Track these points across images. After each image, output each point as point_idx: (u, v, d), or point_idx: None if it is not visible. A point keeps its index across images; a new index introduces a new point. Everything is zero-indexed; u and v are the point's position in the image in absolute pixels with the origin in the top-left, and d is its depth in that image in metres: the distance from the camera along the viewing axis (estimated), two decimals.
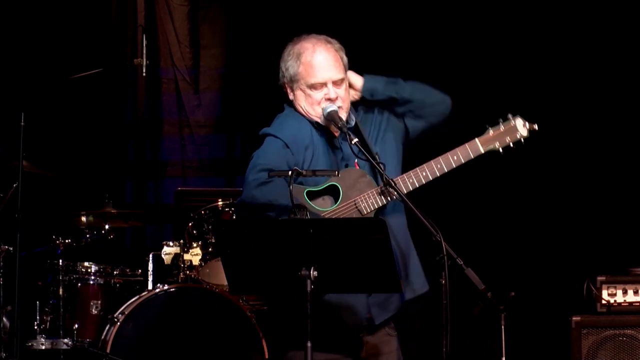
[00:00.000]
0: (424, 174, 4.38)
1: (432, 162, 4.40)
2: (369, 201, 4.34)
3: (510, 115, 4.51)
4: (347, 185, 4.36)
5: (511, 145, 4.49)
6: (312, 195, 4.35)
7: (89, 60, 7.71)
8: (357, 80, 4.56)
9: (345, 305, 4.34)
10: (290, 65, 4.50)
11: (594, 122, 7.31)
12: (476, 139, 4.45)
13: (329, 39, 4.54)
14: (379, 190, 4.35)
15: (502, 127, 4.49)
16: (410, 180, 4.37)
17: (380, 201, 4.34)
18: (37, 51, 7.80)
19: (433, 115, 4.55)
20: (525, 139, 4.50)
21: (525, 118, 4.51)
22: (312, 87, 4.46)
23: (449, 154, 4.41)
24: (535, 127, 4.51)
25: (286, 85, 4.55)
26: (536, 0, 7.39)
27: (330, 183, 4.36)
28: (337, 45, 4.53)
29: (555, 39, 7.38)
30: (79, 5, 7.91)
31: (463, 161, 4.42)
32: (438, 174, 4.39)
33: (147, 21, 8.06)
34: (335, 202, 4.35)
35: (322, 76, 4.45)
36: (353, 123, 4.51)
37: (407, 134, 4.57)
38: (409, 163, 4.51)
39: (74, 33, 7.88)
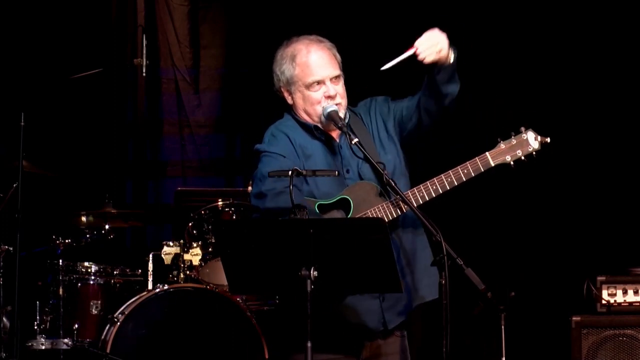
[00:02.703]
0: (434, 187, 4.37)
1: (443, 176, 4.38)
2: (380, 214, 4.33)
3: (522, 129, 4.48)
4: (358, 198, 4.35)
5: (523, 158, 4.47)
6: (324, 209, 4.34)
7: (89, 60, 7.72)
8: (450, 57, 4.37)
9: (359, 311, 4.34)
10: (285, 68, 4.48)
11: (593, 122, 7.31)
12: (487, 153, 4.43)
13: (320, 38, 4.52)
14: (390, 203, 4.34)
15: (513, 141, 4.46)
16: (421, 194, 4.35)
17: (390, 214, 4.33)
18: (37, 51, 7.80)
19: (433, 113, 4.47)
20: (537, 152, 4.48)
21: (537, 130, 4.48)
22: (310, 86, 4.45)
23: (459, 168, 4.39)
24: (548, 140, 4.48)
25: (283, 90, 4.53)
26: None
27: (342, 196, 4.35)
28: (329, 43, 4.51)
29: (555, 43, 7.40)
30: (79, 5, 7.91)
31: (473, 175, 4.40)
32: (448, 188, 4.37)
33: (147, 21, 8.06)
34: (347, 216, 4.34)
35: (320, 74, 4.43)
36: (347, 119, 4.50)
37: (401, 131, 4.54)
38: (420, 177, 4.50)
39: (74, 33, 7.88)
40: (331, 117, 4.41)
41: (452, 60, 4.37)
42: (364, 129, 4.51)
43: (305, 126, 4.50)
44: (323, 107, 4.44)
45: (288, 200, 4.20)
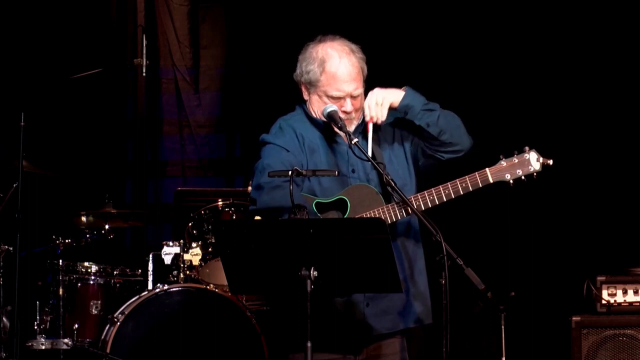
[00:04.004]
0: (431, 198, 4.37)
1: (440, 187, 4.38)
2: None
3: (526, 148, 4.48)
4: (356, 200, 4.35)
5: (523, 178, 4.48)
6: (321, 207, 4.35)
7: (89, 60, 7.72)
8: (398, 96, 4.48)
9: (343, 315, 4.34)
10: (311, 69, 4.45)
11: (593, 122, 7.31)
12: (487, 169, 4.44)
13: (353, 46, 4.49)
14: (387, 207, 4.34)
15: (515, 159, 4.46)
16: (417, 203, 4.36)
17: (388, 219, 4.33)
18: (37, 51, 7.80)
19: (447, 153, 4.50)
20: (537, 173, 4.48)
21: (540, 152, 4.48)
22: (331, 97, 4.45)
23: (457, 181, 4.40)
24: (550, 162, 4.48)
25: (302, 85, 4.52)
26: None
27: (340, 197, 4.35)
28: (360, 54, 4.49)
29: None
30: (79, 5, 7.91)
31: (471, 189, 4.40)
32: (445, 199, 4.38)
33: (147, 21, 8.06)
34: (343, 217, 4.34)
35: (344, 90, 4.43)
36: (354, 128, 4.50)
37: (416, 160, 4.56)
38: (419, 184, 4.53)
39: (74, 33, 7.88)
40: (331, 116, 4.42)
41: (402, 97, 4.44)
42: (377, 137, 4.52)
43: (314, 122, 4.51)
44: (324, 107, 4.44)
45: (284, 194, 4.21)
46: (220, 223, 6.25)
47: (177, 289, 6.49)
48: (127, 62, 8.00)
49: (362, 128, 4.52)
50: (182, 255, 6.74)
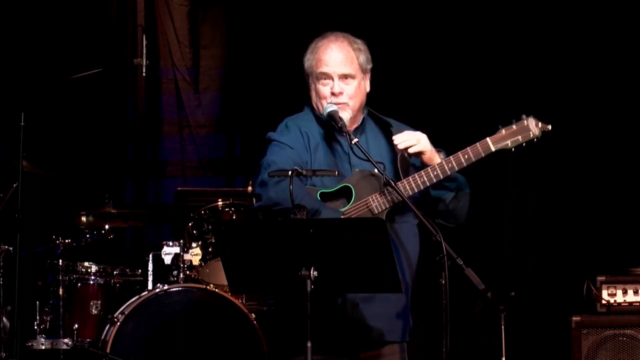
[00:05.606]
0: (435, 173, 4.37)
1: (444, 162, 4.38)
2: (380, 200, 4.34)
3: (524, 116, 4.49)
4: (360, 186, 4.35)
5: (523, 144, 4.48)
6: (325, 197, 4.35)
7: (89, 60, 7.72)
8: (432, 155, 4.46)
9: (338, 316, 4.35)
10: (307, 58, 4.52)
11: (593, 122, 7.31)
12: (487, 138, 4.43)
13: (352, 39, 4.52)
14: (389, 191, 4.34)
15: (514, 127, 4.46)
16: (422, 180, 4.36)
17: (391, 200, 4.34)
18: (37, 51, 7.80)
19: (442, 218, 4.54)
20: (538, 138, 4.49)
21: (538, 118, 4.49)
22: (319, 79, 4.46)
23: (460, 153, 4.39)
24: (549, 127, 4.49)
25: (306, 77, 4.56)
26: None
27: (344, 184, 4.36)
28: (357, 45, 4.51)
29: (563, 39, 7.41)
30: (78, 5, 7.92)
31: (474, 160, 4.39)
32: (449, 173, 4.38)
33: (147, 21, 8.07)
34: (348, 204, 4.35)
35: (329, 68, 4.44)
36: (362, 122, 4.50)
37: None
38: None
39: (74, 33, 7.89)
40: (331, 116, 4.42)
41: (436, 161, 4.40)
42: (380, 138, 4.53)
43: (320, 120, 4.52)
44: (324, 106, 4.45)
45: (287, 190, 4.20)
46: (220, 223, 6.24)
47: (177, 289, 6.49)
48: (127, 62, 8.00)
49: (362, 128, 4.53)
50: (182, 255, 6.74)
